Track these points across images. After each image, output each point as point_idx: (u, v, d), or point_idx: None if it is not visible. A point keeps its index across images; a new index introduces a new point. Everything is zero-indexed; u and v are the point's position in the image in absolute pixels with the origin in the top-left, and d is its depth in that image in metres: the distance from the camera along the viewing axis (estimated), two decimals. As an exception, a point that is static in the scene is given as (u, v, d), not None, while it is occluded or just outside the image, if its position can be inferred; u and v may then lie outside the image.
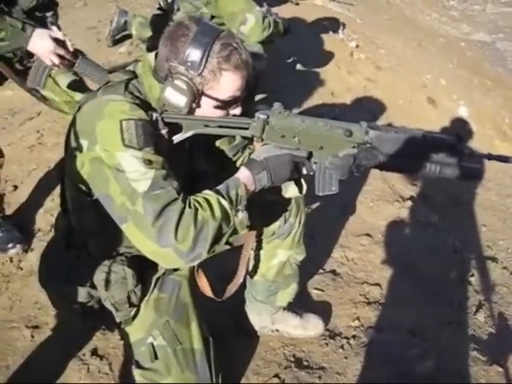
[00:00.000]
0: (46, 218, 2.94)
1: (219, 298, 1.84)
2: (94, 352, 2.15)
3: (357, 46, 5.17)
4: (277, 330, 2.24)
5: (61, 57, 2.30)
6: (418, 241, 3.01)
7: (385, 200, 3.26)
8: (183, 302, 1.76)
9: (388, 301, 2.55)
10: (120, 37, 4.28)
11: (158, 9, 3.55)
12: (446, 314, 2.59)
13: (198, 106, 1.56)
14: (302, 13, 5.30)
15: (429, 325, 2.47)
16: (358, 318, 2.41)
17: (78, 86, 2.60)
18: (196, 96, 1.53)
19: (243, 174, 1.56)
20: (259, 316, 2.20)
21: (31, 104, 3.74)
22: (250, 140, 1.70)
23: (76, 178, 1.54)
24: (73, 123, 1.57)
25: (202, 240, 1.41)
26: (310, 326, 2.26)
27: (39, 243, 2.78)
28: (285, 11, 4.61)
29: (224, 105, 1.57)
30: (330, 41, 5.04)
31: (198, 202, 1.44)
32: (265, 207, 1.79)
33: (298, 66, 4.45)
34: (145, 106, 1.55)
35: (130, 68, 1.65)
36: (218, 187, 1.51)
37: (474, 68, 6.26)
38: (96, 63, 2.33)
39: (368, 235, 2.95)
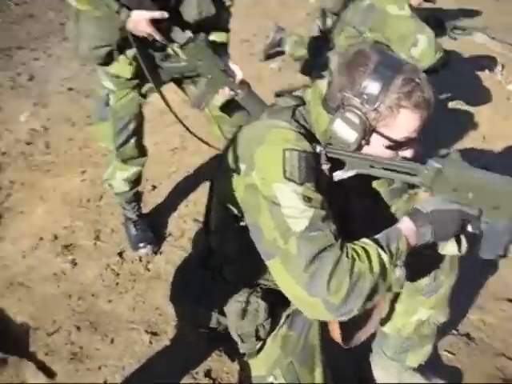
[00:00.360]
0: (179, 223, 2.97)
1: (347, 345, 1.71)
2: (208, 373, 2.11)
3: (515, 90, 4.81)
4: (400, 389, 2.07)
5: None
6: None
7: (532, 263, 2.95)
8: (311, 344, 1.66)
9: (528, 382, 2.28)
10: (273, 52, 4.28)
11: (320, 31, 3.49)
12: None
13: (367, 143, 1.46)
14: (460, 49, 5.03)
15: None
16: (492, 397, 2.18)
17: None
18: (367, 132, 1.42)
19: (406, 226, 1.42)
20: (385, 372, 2.04)
21: (180, 107, 3.83)
22: (415, 187, 1.56)
23: (227, 200, 1.49)
24: (232, 143, 1.52)
25: (355, 295, 1.29)
26: (438, 393, 2.07)
27: (168, 247, 2.82)
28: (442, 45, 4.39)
29: (396, 145, 1.45)
30: (486, 81, 4.74)
31: (356, 252, 1.33)
32: (416, 260, 1.62)
33: (452, 104, 4.22)
34: (309, 136, 1.46)
35: (298, 93, 1.57)
36: (377, 236, 1.38)
37: None
38: (259, 97, 2.23)
39: (510, 300, 2.67)
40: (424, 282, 1.82)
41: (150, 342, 2.26)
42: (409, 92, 1.38)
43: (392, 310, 1.92)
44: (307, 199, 1.33)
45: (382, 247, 1.34)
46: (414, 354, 1.97)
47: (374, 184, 1.70)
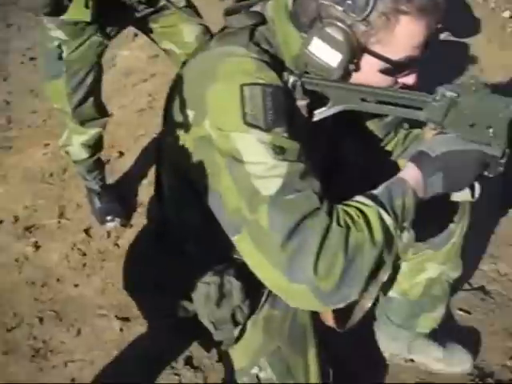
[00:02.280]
0: (150, 191, 2.65)
1: (342, 328, 1.39)
2: (189, 361, 1.82)
3: (510, 17, 4.47)
4: (411, 360, 1.80)
5: None
6: None
7: (546, 203, 2.66)
8: (301, 323, 1.34)
9: (554, 334, 2.01)
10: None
11: None
12: None
13: (357, 68, 1.10)
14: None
15: None
16: (515, 356, 1.91)
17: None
18: (356, 53, 1.06)
19: (411, 175, 1.09)
20: (393, 341, 1.76)
21: (146, 64, 3.55)
22: (422, 124, 1.23)
23: (177, 161, 1.16)
24: (176, 85, 1.18)
25: (353, 275, 0.98)
26: (455, 361, 1.79)
27: (139, 219, 2.54)
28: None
29: (394, 69, 1.10)
30: (479, 10, 4.38)
31: (351, 217, 1.00)
32: (421, 209, 1.30)
33: (443, 36, 3.86)
34: (276, 64, 1.11)
35: (257, 9, 1.19)
36: (375, 191, 1.06)
37: None
38: None
39: (526, 245, 2.38)
40: (433, 233, 1.51)
41: (121, 330, 1.98)
42: None
43: (395, 269, 1.62)
44: (278, 150, 0.99)
45: (383, 206, 1.02)
46: (424, 319, 1.69)
47: (365, 119, 1.37)
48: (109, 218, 2.48)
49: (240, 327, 1.33)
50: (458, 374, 1.81)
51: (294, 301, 1.05)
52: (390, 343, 1.77)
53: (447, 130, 1.13)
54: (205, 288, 1.26)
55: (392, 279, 1.64)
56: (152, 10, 2.06)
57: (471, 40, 3.99)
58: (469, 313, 2.04)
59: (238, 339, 1.34)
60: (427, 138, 1.17)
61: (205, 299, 1.27)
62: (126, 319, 2.02)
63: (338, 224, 0.98)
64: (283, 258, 0.97)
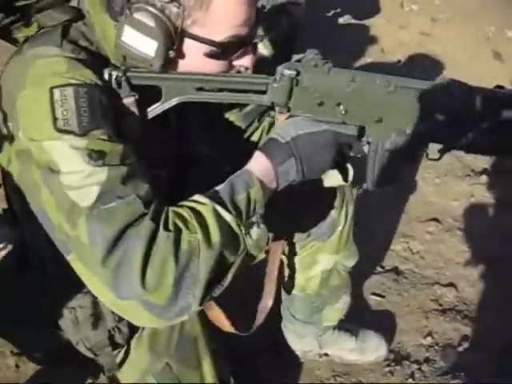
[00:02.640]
0: None
1: (243, 332, 1.30)
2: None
3: (408, -4, 4.53)
4: (325, 355, 1.73)
5: None
6: (498, 225, 2.40)
7: (453, 175, 2.66)
8: (190, 336, 1.24)
9: (468, 307, 1.99)
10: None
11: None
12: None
13: (180, 55, 0.99)
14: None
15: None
16: (430, 334, 1.87)
17: None
18: (173, 38, 0.95)
19: (258, 165, 1.01)
20: (302, 339, 1.68)
21: None
22: (269, 108, 1.15)
23: (11, 177, 1.02)
24: None
25: (189, 283, 0.89)
26: (369, 349, 1.74)
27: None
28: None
29: (222, 51, 0.99)
30: (375, -9, 4.42)
31: (182, 218, 0.91)
32: (294, 201, 1.22)
33: (342, 20, 3.85)
34: (97, 61, 0.99)
35: (73, 3, 1.06)
36: (217, 188, 0.97)
37: (542, 17, 5.55)
38: None
39: (436, 220, 2.37)
40: (313, 223, 1.43)
41: (17, 366, 1.81)
42: None
43: (292, 269, 1.54)
44: (96, 155, 0.89)
45: (221, 203, 0.93)
46: (329, 311, 1.61)
47: (221, 111, 1.27)
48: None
49: (124, 349, 1.22)
50: (374, 362, 1.75)
51: (130, 318, 0.95)
52: (300, 341, 1.69)
53: (296, 111, 1.05)
54: (70, 314, 1.14)
55: (292, 277, 1.56)
56: (13, 18, 1.90)
57: (371, 21, 4.00)
58: (382, 296, 2.00)
59: (123, 362, 1.23)
60: (278, 123, 1.08)
61: (73, 325, 1.15)
62: (21, 354, 1.85)
63: (166, 229, 0.88)
64: (107, 274, 0.87)
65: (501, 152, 1.17)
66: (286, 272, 1.57)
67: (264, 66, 2.76)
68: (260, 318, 1.36)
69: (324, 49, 3.10)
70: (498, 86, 1.07)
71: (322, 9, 3.88)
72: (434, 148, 1.10)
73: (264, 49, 2.55)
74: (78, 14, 1.03)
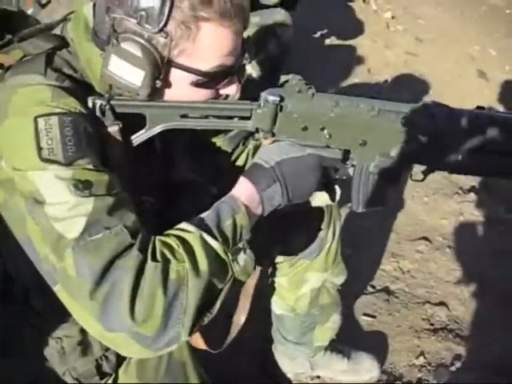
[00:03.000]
0: None
1: (216, 350, 1.28)
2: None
3: (392, 17, 4.59)
4: (317, 377, 1.71)
5: None
6: (488, 242, 2.41)
7: (442, 193, 2.67)
8: (179, 360, 1.22)
9: (460, 326, 1.98)
10: None
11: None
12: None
13: (167, 84, 0.99)
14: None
15: (514, 355, 1.90)
16: (422, 354, 1.86)
17: None
18: (160, 67, 0.94)
19: (243, 191, 1.01)
20: (293, 360, 1.66)
21: None
22: (253, 134, 1.15)
23: None
24: None
25: (179, 313, 0.87)
26: (362, 370, 1.72)
27: None
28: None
29: (208, 80, 0.99)
30: (362, 12, 4.47)
31: (170, 248, 0.90)
32: (280, 220, 1.20)
33: (328, 41, 3.88)
34: (82, 90, 0.99)
35: (57, 31, 1.06)
36: (203, 215, 0.96)
37: (524, 37, 5.63)
38: None
39: (425, 239, 2.38)
40: (301, 242, 1.43)
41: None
42: None
43: (281, 288, 1.53)
44: (82, 185, 0.88)
45: (208, 230, 0.92)
46: (320, 331, 1.60)
47: (206, 136, 1.27)
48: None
49: (111, 377, 1.19)
50: (366, 383, 1.73)
51: (119, 350, 0.93)
52: (291, 363, 1.67)
53: (280, 137, 1.05)
54: (56, 344, 1.12)
55: (281, 297, 1.55)
56: None
57: (357, 42, 4.04)
58: (374, 317, 1.98)
59: (110, 391, 1.20)
60: (263, 147, 1.09)
61: (60, 355, 1.12)
62: None
63: (154, 259, 0.87)
64: (95, 306, 0.85)
65: (483, 173, 1.19)
66: (275, 293, 1.55)
67: (252, 88, 2.78)
68: (232, 333, 1.34)
69: (311, 69, 3.14)
70: (479, 107, 1.09)
71: (309, 30, 3.92)
72: (417, 169, 1.12)
73: (252, 70, 2.56)
74: (62, 42, 1.03)
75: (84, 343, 1.13)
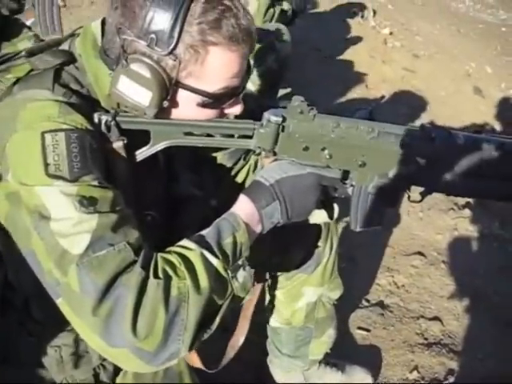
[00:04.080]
0: None
1: (213, 369, 1.29)
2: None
3: (390, 34, 4.66)
4: (312, 390, 1.71)
5: None
6: (482, 258, 2.44)
7: (437, 209, 2.70)
8: (176, 372, 1.23)
9: (453, 340, 1.99)
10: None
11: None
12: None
13: (174, 104, 1.01)
14: (328, -1, 4.80)
15: (508, 371, 1.91)
16: (416, 368, 1.87)
17: None
18: (168, 88, 0.97)
19: (243, 208, 1.03)
20: (288, 373, 1.67)
21: None
22: (256, 153, 1.17)
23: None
24: None
25: (179, 329, 0.89)
26: (356, 383, 1.73)
27: None
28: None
29: (214, 101, 1.02)
30: (360, 28, 4.53)
31: (171, 265, 0.91)
32: (278, 236, 1.20)
33: (327, 56, 3.94)
34: (88, 105, 1.01)
35: (65, 47, 1.09)
36: (203, 232, 0.98)
37: (520, 54, 5.69)
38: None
39: (420, 254, 2.40)
40: (299, 256, 1.45)
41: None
42: (216, 20, 0.95)
43: (277, 301, 1.54)
44: (87, 202, 0.89)
45: (208, 248, 0.94)
46: (315, 345, 1.61)
47: (208, 151, 1.29)
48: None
49: (109, 386, 1.20)
50: (360, 397, 1.74)
51: (121, 364, 0.95)
52: (286, 375, 1.68)
53: (281, 156, 1.08)
54: (55, 352, 1.13)
55: (277, 310, 1.56)
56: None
57: (355, 57, 4.08)
58: (368, 330, 1.99)
59: (107, 400, 1.21)
60: (264, 166, 1.11)
61: (58, 364, 1.13)
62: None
63: (156, 276, 0.89)
64: (98, 322, 0.87)
65: (481, 195, 1.21)
66: (271, 305, 1.57)
67: (251, 101, 2.81)
68: (230, 353, 1.36)
69: (310, 84, 3.18)
70: (476, 132, 1.12)
71: (309, 45, 3.96)
72: (415, 190, 1.14)
73: (252, 84, 2.60)
74: (70, 58, 1.05)
75: (82, 352, 1.14)
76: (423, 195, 1.14)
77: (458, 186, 1.10)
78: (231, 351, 1.33)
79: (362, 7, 4.84)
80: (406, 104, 3.77)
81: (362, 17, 4.69)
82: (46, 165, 0.89)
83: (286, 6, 2.85)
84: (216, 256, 0.94)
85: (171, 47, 0.94)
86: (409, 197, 1.14)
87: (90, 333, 0.89)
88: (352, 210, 1.13)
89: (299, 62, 3.37)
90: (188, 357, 1.25)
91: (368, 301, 2.12)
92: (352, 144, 1.07)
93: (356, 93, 3.68)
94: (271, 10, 2.70)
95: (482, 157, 1.08)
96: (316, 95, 3.34)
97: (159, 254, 0.93)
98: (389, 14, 5.12)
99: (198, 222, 1.03)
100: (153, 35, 0.94)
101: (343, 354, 1.80)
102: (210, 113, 1.04)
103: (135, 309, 0.86)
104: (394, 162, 1.08)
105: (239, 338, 1.32)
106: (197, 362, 1.25)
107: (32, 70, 1.04)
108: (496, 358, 1.95)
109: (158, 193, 1.16)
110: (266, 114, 1.05)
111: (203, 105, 1.02)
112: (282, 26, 2.64)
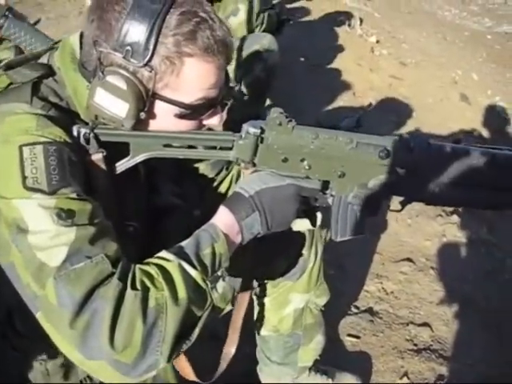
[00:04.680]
0: None
1: (206, 381, 1.27)
2: None
3: (377, 42, 4.68)
4: (302, 397, 1.71)
5: None
6: (471, 264, 2.45)
7: (425, 215, 2.71)
8: (164, 381, 1.23)
9: (443, 346, 2.00)
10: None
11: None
12: (515, 358, 2.04)
13: (151, 115, 1.02)
14: (316, 8, 4.82)
15: (497, 375, 1.92)
16: (406, 374, 1.87)
17: None
18: (145, 100, 0.98)
19: (222, 219, 1.04)
20: (277, 381, 1.67)
21: None
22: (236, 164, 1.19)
23: None
24: None
25: (158, 341, 0.89)
26: (346, 390, 1.73)
27: None
28: (296, 6, 4.15)
29: (192, 112, 1.03)
30: (347, 37, 4.56)
31: (149, 276, 0.92)
32: (262, 244, 1.21)
33: (315, 65, 3.95)
34: (67, 118, 1.01)
35: (44, 60, 1.09)
36: (183, 243, 0.98)
37: (505, 61, 5.75)
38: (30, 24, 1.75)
39: (409, 260, 2.41)
40: (284, 264, 1.45)
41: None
42: (192, 32, 0.96)
43: (264, 309, 1.54)
44: (65, 215, 0.89)
45: (187, 259, 0.95)
46: (304, 352, 1.60)
47: (192, 161, 1.30)
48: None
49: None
50: (350, 404, 1.75)
51: (99, 376, 0.94)
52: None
53: (261, 167, 1.09)
54: (41, 365, 1.12)
55: (265, 318, 1.56)
56: None
57: (342, 65, 4.11)
58: (358, 337, 2.00)
59: (94, 413, 1.20)
60: (244, 177, 1.12)
61: (44, 377, 1.13)
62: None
63: (133, 287, 0.89)
64: (75, 335, 0.87)
65: (460, 204, 1.23)
66: (259, 313, 1.56)
67: (239, 110, 2.81)
68: (223, 365, 1.36)
69: (298, 92, 3.19)
70: (455, 141, 1.14)
71: (297, 54, 3.98)
72: (395, 200, 1.16)
73: (239, 93, 2.61)
74: (49, 71, 1.06)
75: (68, 365, 1.13)
76: (403, 204, 1.16)
77: (437, 195, 1.12)
78: (224, 363, 1.32)
79: (349, 16, 4.87)
80: (394, 111, 3.79)
81: (349, 25, 4.71)
82: (24, 178, 0.89)
83: (272, 12, 2.89)
84: (194, 267, 0.94)
85: (147, 59, 0.95)
86: (388, 206, 1.16)
87: (67, 346, 0.89)
88: (332, 219, 1.14)
89: (287, 71, 3.38)
90: (181, 369, 1.24)
91: (357, 308, 2.13)
92: (331, 155, 1.08)
93: (343, 100, 3.70)
94: (261, 15, 2.72)
95: (460, 166, 1.10)
96: (304, 103, 3.37)
97: (137, 266, 0.93)
98: (375, 22, 5.16)
99: (180, 233, 1.04)
100: (128, 47, 0.95)
101: (333, 360, 1.80)
102: (188, 124, 1.05)
103: (113, 321, 0.86)
104: (374, 173, 1.10)
105: (230, 349, 1.32)
106: (191, 375, 1.25)
107: (11, 83, 1.04)
108: (486, 363, 1.96)
109: (139, 204, 1.17)
110: (244, 126, 1.06)
111: (181, 116, 1.03)
112: (268, 35, 2.66)
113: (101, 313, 0.86)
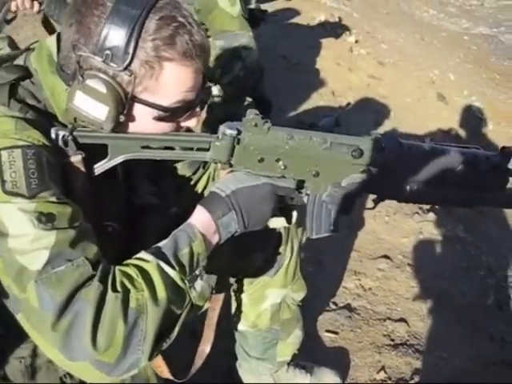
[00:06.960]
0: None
1: (180, 379, 1.29)
2: None
3: (356, 41, 4.71)
4: (281, 392, 1.73)
5: None
6: (446, 261, 2.50)
7: (402, 213, 2.75)
8: (143, 377, 1.23)
9: (419, 341, 2.04)
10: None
11: None
12: (487, 352, 2.09)
13: (130, 118, 1.03)
14: (295, 7, 4.84)
15: (471, 369, 1.97)
16: (383, 369, 1.91)
17: None
18: (124, 103, 0.99)
19: (199, 219, 1.05)
20: (256, 376, 1.69)
21: None
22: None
23: None
24: None
25: (139, 340, 0.91)
26: (324, 384, 1.75)
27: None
28: (275, 6, 4.16)
29: (170, 114, 1.05)
30: (325, 36, 4.58)
31: (129, 277, 0.93)
32: (238, 241, 1.22)
33: (295, 64, 3.97)
34: (45, 120, 1.02)
35: (20, 61, 1.09)
36: (161, 243, 1.00)
37: (481, 62, 5.86)
38: None
39: (386, 257, 2.44)
40: (260, 260, 1.47)
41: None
42: (170, 36, 0.98)
43: (241, 305, 1.56)
44: (45, 218, 0.90)
45: (165, 259, 0.96)
46: (282, 347, 1.62)
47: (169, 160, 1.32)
48: None
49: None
50: (328, 398, 1.77)
51: (81, 376, 0.96)
52: (255, 378, 1.69)
53: (237, 167, 1.11)
54: (20, 363, 1.12)
55: (243, 314, 1.58)
56: None
57: (321, 65, 4.13)
58: (336, 333, 2.02)
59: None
60: (220, 177, 1.14)
61: (22, 375, 1.13)
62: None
63: (114, 289, 0.90)
64: (57, 337, 0.88)
65: (432, 202, 1.26)
66: (237, 309, 1.58)
67: (218, 109, 2.82)
68: (198, 363, 1.37)
69: (277, 92, 3.20)
70: (432, 140, 1.18)
71: (276, 53, 3.99)
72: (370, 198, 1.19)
73: (218, 92, 2.62)
74: (25, 73, 1.06)
75: (47, 361, 1.14)
76: (376, 202, 1.20)
77: (409, 193, 1.17)
78: (199, 360, 1.34)
79: (328, 15, 4.90)
80: (372, 111, 3.83)
81: (328, 25, 4.74)
82: (3, 182, 0.90)
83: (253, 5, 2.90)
84: (173, 267, 0.96)
85: (126, 63, 0.97)
86: (363, 204, 1.19)
87: (50, 347, 0.90)
88: (308, 217, 1.17)
89: (266, 70, 3.39)
90: (157, 367, 1.25)
91: (336, 304, 2.15)
92: (306, 155, 1.11)
93: (322, 100, 3.72)
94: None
95: (430, 165, 1.14)
96: (283, 102, 3.39)
97: (117, 267, 0.95)
98: (354, 22, 5.19)
99: (159, 231, 1.06)
100: (108, 51, 0.96)
101: (312, 356, 1.82)
102: (166, 126, 1.07)
103: (94, 323, 0.87)
104: (347, 172, 1.13)
105: (206, 347, 1.34)
106: (165, 373, 1.26)
107: None
108: (460, 357, 2.00)
109: (118, 204, 1.18)
110: (221, 127, 1.08)
111: (159, 118, 1.04)
112: (247, 35, 2.67)
113: (83, 315, 0.87)
